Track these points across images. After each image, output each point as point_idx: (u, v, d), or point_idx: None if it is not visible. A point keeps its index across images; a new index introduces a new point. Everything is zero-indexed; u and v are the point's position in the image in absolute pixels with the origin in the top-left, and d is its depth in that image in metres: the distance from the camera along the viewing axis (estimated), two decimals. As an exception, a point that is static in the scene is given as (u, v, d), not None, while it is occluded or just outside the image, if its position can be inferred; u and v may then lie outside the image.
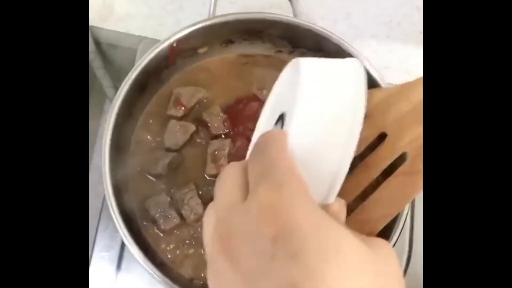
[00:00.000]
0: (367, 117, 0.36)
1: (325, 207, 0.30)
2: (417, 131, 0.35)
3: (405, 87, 0.36)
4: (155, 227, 0.52)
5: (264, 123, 0.39)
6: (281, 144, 0.29)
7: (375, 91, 0.37)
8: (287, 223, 0.24)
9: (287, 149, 0.29)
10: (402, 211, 0.48)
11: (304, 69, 0.32)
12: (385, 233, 0.48)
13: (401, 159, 0.36)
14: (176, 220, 0.52)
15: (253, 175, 0.27)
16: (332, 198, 0.30)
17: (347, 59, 0.34)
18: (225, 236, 0.26)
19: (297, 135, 0.29)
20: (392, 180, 0.36)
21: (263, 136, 0.30)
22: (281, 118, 0.34)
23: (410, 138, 0.36)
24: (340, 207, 0.31)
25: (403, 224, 0.48)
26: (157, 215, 0.51)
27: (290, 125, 0.29)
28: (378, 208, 0.37)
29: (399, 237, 0.48)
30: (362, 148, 0.37)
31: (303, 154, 0.29)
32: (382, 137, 0.37)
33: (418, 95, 0.35)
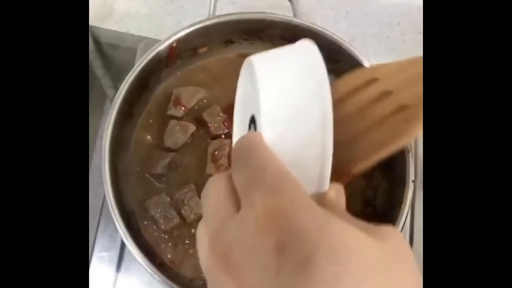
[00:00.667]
0: (375, 80, 0.41)
1: (322, 197, 0.29)
2: (419, 88, 0.37)
3: (412, 61, 0.39)
4: (155, 227, 0.52)
5: (238, 128, 0.38)
6: (262, 146, 0.27)
7: (387, 64, 0.41)
8: (290, 229, 0.22)
9: (269, 149, 0.27)
10: (402, 212, 0.48)
11: (257, 65, 0.31)
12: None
13: (400, 110, 0.38)
14: (176, 220, 0.52)
15: (242, 183, 0.26)
16: (326, 185, 0.29)
17: (297, 42, 0.33)
18: (223, 252, 0.24)
19: (271, 134, 0.28)
20: (388, 124, 0.39)
21: (240, 142, 0.28)
22: (252, 121, 0.33)
23: (413, 92, 0.38)
24: (338, 192, 0.30)
25: (403, 226, 0.48)
26: (157, 215, 0.51)
27: (261, 125, 0.28)
28: (369, 147, 0.39)
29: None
30: (365, 103, 0.40)
31: (283, 150, 0.28)
32: (387, 94, 0.40)
33: (421, 66, 0.38)
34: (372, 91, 0.41)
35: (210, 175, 0.53)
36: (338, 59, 0.55)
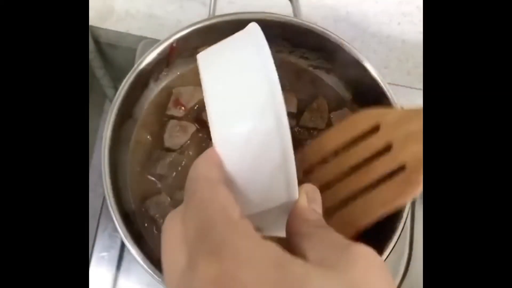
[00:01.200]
0: (378, 129, 0.41)
1: (293, 209, 0.28)
2: (420, 147, 0.37)
3: (417, 111, 0.39)
4: (154, 227, 0.52)
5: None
6: (212, 183, 0.25)
7: (391, 110, 0.42)
8: None
9: (220, 181, 0.25)
10: (402, 215, 0.48)
11: (201, 63, 0.30)
12: (385, 235, 0.48)
13: (400, 169, 0.39)
14: None
15: (189, 236, 0.24)
16: (295, 193, 0.27)
17: (243, 30, 0.31)
18: None
19: (224, 147, 0.26)
20: (388, 184, 0.39)
21: (192, 171, 0.27)
22: None
23: (413, 152, 0.38)
24: (310, 197, 0.28)
25: (403, 226, 0.48)
26: (157, 215, 0.51)
27: (214, 139, 0.27)
28: (369, 207, 0.40)
29: (399, 240, 0.48)
30: (367, 155, 0.41)
31: (240, 163, 0.26)
32: (387, 149, 0.40)
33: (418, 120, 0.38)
34: (375, 142, 0.41)
35: None
36: (338, 59, 0.55)
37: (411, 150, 0.38)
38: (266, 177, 0.26)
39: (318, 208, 0.28)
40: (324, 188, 0.42)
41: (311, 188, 0.29)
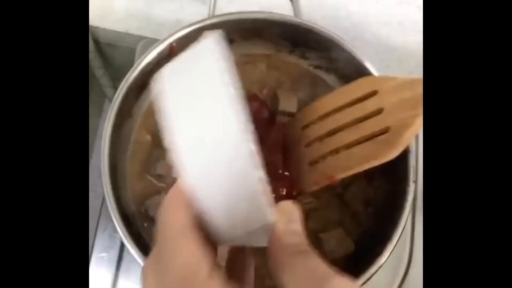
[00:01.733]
0: (376, 94, 0.44)
1: (272, 234, 0.27)
2: (408, 113, 0.41)
3: (414, 80, 0.42)
4: (154, 228, 0.52)
5: None
6: (177, 227, 0.25)
7: (390, 78, 0.44)
8: None
9: (187, 228, 0.25)
10: (403, 213, 0.48)
11: (158, 91, 0.28)
12: (384, 237, 0.48)
13: (385, 131, 0.42)
14: None
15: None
16: (271, 216, 0.26)
17: (201, 42, 0.30)
18: None
19: (194, 179, 0.25)
20: (370, 142, 0.43)
21: (159, 215, 0.26)
22: None
23: (399, 118, 0.41)
24: (287, 219, 0.27)
25: (404, 226, 0.48)
26: (156, 215, 0.51)
27: (180, 170, 0.26)
28: (349, 160, 0.44)
29: (399, 242, 0.48)
30: (359, 116, 0.45)
31: (213, 193, 0.25)
32: (378, 112, 0.43)
33: (420, 89, 0.41)
34: (369, 106, 0.44)
35: None
36: (338, 58, 0.55)
37: (398, 115, 0.41)
38: (241, 203, 0.26)
39: (298, 226, 0.27)
40: (315, 140, 0.48)
41: (288, 207, 0.28)
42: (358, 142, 0.44)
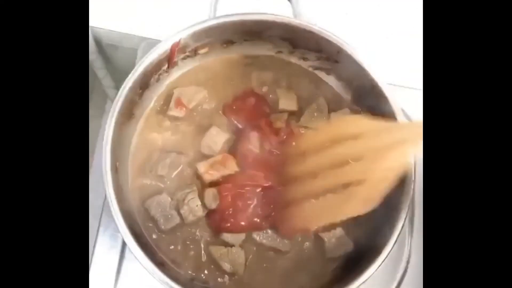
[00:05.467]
0: (359, 137, 0.43)
1: None
2: (389, 165, 0.40)
3: (400, 128, 0.43)
4: (155, 227, 0.52)
5: None
6: None
7: (374, 123, 0.43)
8: None
9: None
10: (402, 212, 0.49)
11: None
12: (383, 236, 0.49)
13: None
14: (177, 220, 0.52)
15: None
16: None
17: None
18: None
19: None
20: (344, 194, 0.43)
21: None
22: None
23: (380, 168, 0.40)
24: None
25: (401, 228, 0.48)
26: (157, 215, 0.52)
27: None
28: (321, 211, 0.45)
29: (397, 241, 0.48)
30: (336, 160, 0.44)
31: None
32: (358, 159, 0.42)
33: (400, 135, 0.40)
34: (349, 150, 0.43)
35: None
36: (338, 60, 0.56)
37: (378, 166, 0.40)
38: None
39: None
40: (294, 181, 0.47)
41: None
42: (333, 190, 0.44)
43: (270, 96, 0.58)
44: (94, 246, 0.56)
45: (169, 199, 0.52)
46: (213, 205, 0.52)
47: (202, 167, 0.53)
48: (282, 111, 0.56)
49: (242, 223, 0.51)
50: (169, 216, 0.52)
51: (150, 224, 0.52)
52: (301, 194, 0.46)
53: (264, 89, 0.58)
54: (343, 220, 0.45)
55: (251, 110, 0.56)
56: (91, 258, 0.56)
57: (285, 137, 0.54)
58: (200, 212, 0.52)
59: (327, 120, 0.55)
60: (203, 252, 0.52)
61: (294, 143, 0.50)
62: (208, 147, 0.54)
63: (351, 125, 0.45)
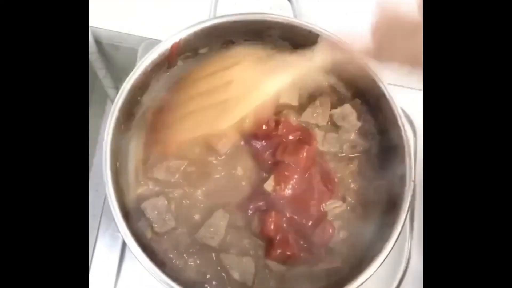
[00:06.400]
0: (236, 65, 0.48)
1: None
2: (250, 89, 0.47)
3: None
4: (150, 230, 0.52)
5: None
6: None
7: (256, 52, 0.49)
8: None
9: None
10: (402, 212, 0.49)
11: None
12: (383, 236, 0.49)
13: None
14: (172, 224, 0.51)
15: None
16: None
17: None
18: None
19: None
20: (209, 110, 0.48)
21: None
22: None
23: (240, 91, 0.47)
24: None
25: (403, 224, 0.48)
26: (151, 217, 0.51)
27: None
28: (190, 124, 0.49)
29: (398, 241, 0.48)
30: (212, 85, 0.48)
31: None
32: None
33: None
34: (225, 76, 0.48)
35: None
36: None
37: (240, 89, 0.46)
38: None
39: None
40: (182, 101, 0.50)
41: None
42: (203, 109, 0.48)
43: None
44: (94, 246, 0.56)
45: (166, 202, 0.52)
46: None
47: None
48: (284, 106, 0.56)
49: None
50: (166, 219, 0.51)
51: (147, 226, 0.52)
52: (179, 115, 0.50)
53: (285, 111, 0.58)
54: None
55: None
56: (91, 258, 0.56)
57: (284, 130, 0.54)
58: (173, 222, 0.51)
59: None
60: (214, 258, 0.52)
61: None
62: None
63: (233, 56, 0.50)
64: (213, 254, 0.51)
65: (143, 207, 0.51)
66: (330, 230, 0.52)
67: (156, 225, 0.51)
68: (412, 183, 0.50)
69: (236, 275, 0.50)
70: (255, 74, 0.47)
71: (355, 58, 0.47)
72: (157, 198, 0.52)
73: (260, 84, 0.47)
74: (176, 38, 0.52)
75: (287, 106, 0.56)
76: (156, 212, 0.51)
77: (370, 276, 0.47)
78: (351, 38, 0.43)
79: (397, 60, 0.42)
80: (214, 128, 0.48)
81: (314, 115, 0.57)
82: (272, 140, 0.54)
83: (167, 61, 0.55)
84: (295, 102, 0.57)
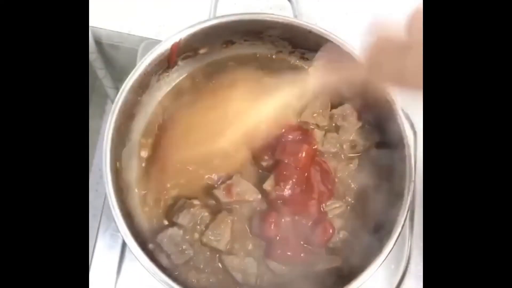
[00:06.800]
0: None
1: None
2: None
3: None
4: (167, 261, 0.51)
5: None
6: None
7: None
8: None
9: None
10: (402, 212, 0.49)
11: None
12: (384, 236, 0.49)
13: None
14: (190, 252, 0.51)
15: None
16: None
17: None
18: None
19: None
20: None
21: None
22: None
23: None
24: None
25: (403, 224, 0.48)
26: (169, 251, 0.50)
27: None
28: None
29: (398, 240, 0.48)
30: None
31: None
32: None
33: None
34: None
35: None
36: (337, 59, 0.56)
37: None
38: None
39: None
40: None
41: None
42: None
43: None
44: (94, 246, 0.56)
45: (181, 232, 0.51)
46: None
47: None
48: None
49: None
50: (182, 248, 0.51)
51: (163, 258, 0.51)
52: None
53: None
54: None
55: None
56: (91, 258, 0.56)
57: (284, 130, 0.54)
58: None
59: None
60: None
61: None
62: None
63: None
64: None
65: (159, 239, 0.51)
66: (330, 230, 0.52)
67: (174, 257, 0.50)
68: (412, 183, 0.50)
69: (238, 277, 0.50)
70: (251, 97, 0.49)
71: (349, 78, 0.47)
72: (172, 228, 0.51)
73: (255, 106, 0.49)
74: (176, 38, 0.52)
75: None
76: (172, 244, 0.51)
77: (370, 276, 0.47)
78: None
79: (387, 80, 0.42)
80: (214, 146, 0.49)
81: (314, 115, 0.57)
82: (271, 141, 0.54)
83: (167, 61, 0.55)
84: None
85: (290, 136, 0.54)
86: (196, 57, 0.58)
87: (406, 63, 0.36)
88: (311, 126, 0.57)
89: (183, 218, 0.51)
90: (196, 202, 0.52)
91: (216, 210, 0.52)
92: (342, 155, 0.56)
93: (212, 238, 0.51)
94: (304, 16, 0.56)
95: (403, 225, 0.48)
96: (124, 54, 0.70)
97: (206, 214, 0.52)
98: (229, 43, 0.58)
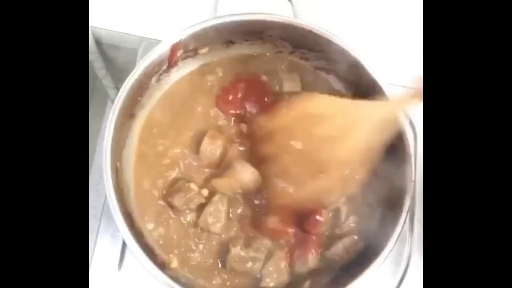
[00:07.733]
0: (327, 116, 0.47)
1: None
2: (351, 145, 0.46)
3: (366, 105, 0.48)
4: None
5: None
6: None
7: (341, 100, 0.51)
8: None
9: None
10: (402, 212, 0.49)
11: None
12: (384, 236, 0.49)
13: None
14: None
15: None
16: None
17: None
18: None
19: None
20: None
21: None
22: None
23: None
24: None
25: (403, 225, 0.48)
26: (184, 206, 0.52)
27: None
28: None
29: (398, 241, 0.48)
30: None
31: None
32: None
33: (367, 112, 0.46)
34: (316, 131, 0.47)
35: None
36: (337, 59, 0.56)
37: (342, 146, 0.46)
38: None
39: None
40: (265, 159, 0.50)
41: None
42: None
43: (275, 81, 0.58)
44: (94, 246, 0.56)
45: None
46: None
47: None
48: (288, 94, 0.57)
49: None
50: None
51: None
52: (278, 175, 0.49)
53: (264, 78, 0.59)
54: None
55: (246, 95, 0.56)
56: (91, 258, 0.56)
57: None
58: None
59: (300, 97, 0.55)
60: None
61: (264, 122, 0.52)
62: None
63: (320, 104, 0.48)
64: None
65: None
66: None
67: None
68: (412, 183, 0.50)
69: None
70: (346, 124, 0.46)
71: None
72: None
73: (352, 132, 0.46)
74: (176, 38, 0.52)
75: (291, 94, 0.57)
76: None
77: (370, 276, 0.47)
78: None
79: None
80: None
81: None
82: None
83: (167, 61, 0.55)
84: (298, 88, 0.58)
85: None
86: (196, 57, 0.58)
87: None
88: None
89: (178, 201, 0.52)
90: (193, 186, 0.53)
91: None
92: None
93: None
94: (304, 16, 0.56)
95: (403, 225, 0.48)
96: (124, 54, 0.70)
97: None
98: (229, 43, 0.58)
